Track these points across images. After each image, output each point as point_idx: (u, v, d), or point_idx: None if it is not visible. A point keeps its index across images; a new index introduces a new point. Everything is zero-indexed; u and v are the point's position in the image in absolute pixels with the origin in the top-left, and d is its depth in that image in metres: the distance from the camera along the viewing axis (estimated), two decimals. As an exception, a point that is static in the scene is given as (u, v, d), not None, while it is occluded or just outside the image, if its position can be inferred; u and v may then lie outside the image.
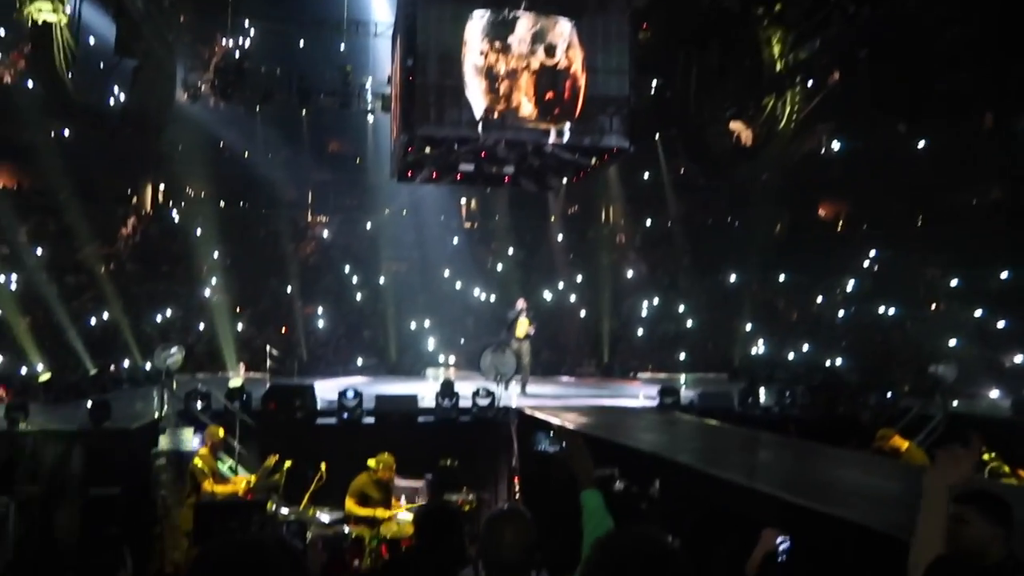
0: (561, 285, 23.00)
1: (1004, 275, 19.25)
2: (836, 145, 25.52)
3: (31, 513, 6.62)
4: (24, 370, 14.29)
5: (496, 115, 12.29)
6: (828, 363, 18.52)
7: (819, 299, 22.54)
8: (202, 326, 18.46)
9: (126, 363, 15.82)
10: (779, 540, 3.58)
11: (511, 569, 2.35)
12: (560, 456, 2.65)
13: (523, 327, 13.62)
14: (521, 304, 14.01)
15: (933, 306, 20.91)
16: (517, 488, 9.54)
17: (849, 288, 22.47)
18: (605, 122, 12.75)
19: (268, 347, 16.19)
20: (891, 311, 20.43)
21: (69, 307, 17.86)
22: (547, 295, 22.58)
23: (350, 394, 10.37)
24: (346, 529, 7.57)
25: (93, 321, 18.10)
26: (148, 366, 14.01)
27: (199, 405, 9.92)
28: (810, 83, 20.92)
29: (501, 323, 14.81)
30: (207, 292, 19.75)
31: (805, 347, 19.94)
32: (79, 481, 7.31)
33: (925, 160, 22.43)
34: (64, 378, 12.90)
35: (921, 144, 22.90)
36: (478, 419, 10.47)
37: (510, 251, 24.29)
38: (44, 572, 5.56)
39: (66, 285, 19.64)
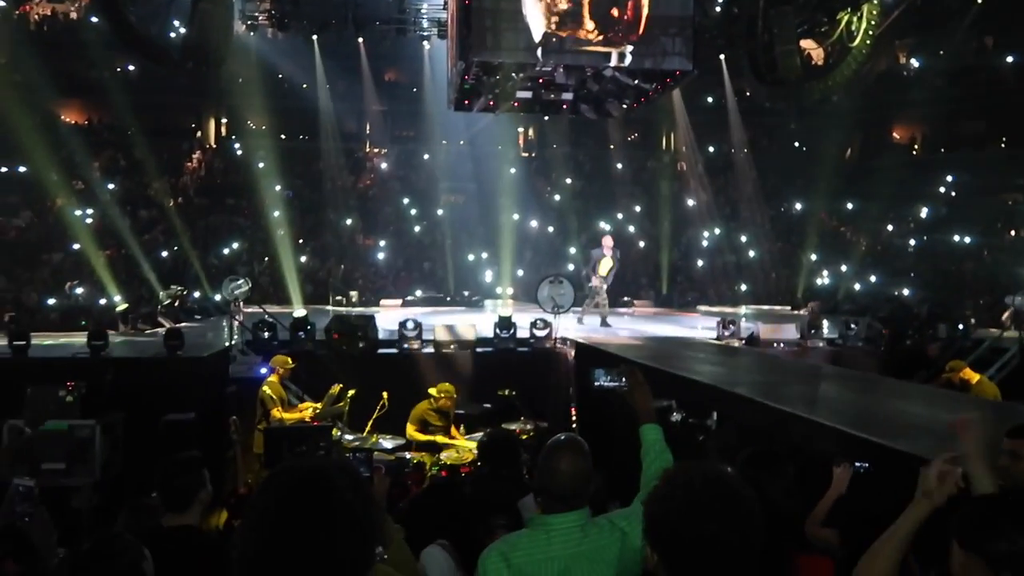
0: (620, 215, 22.69)
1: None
2: (914, 63, 24.11)
3: (115, 436, 7.02)
4: (103, 301, 14.97)
5: (555, 38, 11.94)
6: (896, 294, 17.95)
7: (889, 227, 21.73)
8: (267, 258, 18.93)
9: (196, 294, 16.40)
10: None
11: (567, 498, 2.38)
12: (619, 390, 2.64)
13: (606, 266, 13.57)
14: (609, 242, 13.94)
15: (1012, 233, 19.94)
16: (575, 418, 9.67)
17: (923, 215, 21.56)
18: (668, 43, 12.27)
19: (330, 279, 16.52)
20: (966, 239, 19.58)
21: (141, 240, 18.51)
22: (605, 225, 22.34)
23: (410, 325, 10.56)
24: (407, 455, 7.83)
25: (164, 253, 18.74)
26: (217, 297, 14.49)
27: (266, 335, 10.27)
28: (888, -4, 19.65)
29: (573, 259, 14.68)
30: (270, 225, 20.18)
31: (873, 278, 19.35)
32: (157, 406, 7.69)
33: (1010, 77, 21.03)
34: (139, 309, 13.47)
35: (1008, 59, 21.44)
36: (535, 350, 10.58)
37: (568, 181, 23.99)
38: (128, 492, 5.91)
39: (138, 219, 20.34)
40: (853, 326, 11.09)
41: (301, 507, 1.50)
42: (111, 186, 20.99)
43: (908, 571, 2.64)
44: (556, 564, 2.28)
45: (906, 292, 18.27)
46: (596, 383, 2.92)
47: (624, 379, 2.81)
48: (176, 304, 13.51)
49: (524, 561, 2.28)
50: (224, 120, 26.15)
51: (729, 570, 1.54)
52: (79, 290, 15.90)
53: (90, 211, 19.43)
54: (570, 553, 2.30)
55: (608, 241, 14.01)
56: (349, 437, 7.94)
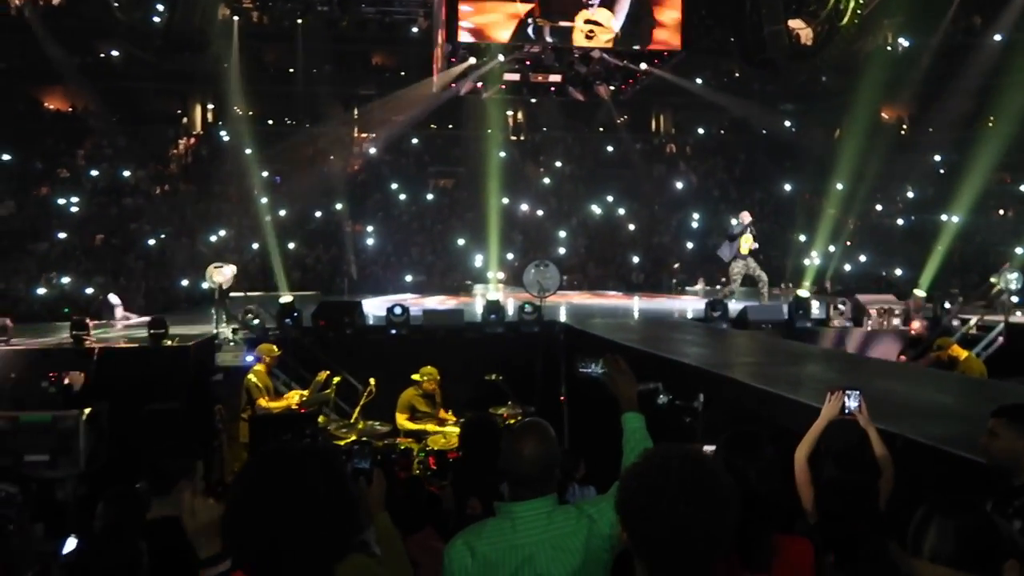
0: (610, 198, 22.64)
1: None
2: (903, 42, 24.05)
3: (99, 427, 6.97)
4: (89, 290, 14.86)
5: (542, 19, 11.86)
6: (884, 274, 18.01)
7: (878, 207, 21.75)
8: (255, 245, 18.82)
9: (183, 282, 16.29)
10: (847, 403, 3.43)
11: (531, 482, 2.35)
12: (603, 379, 2.61)
13: (747, 242, 13.00)
14: (747, 218, 13.25)
15: (1000, 213, 20.01)
16: (563, 402, 9.68)
17: (910, 195, 21.60)
18: (656, 23, 12.22)
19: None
20: (954, 219, 19.63)
21: (127, 229, 18.36)
22: (595, 208, 22.30)
23: (397, 310, 10.52)
24: (396, 442, 7.81)
25: (151, 242, 18.60)
26: (204, 285, 14.41)
27: (253, 322, 10.21)
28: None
29: (721, 237, 13.95)
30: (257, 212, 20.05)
31: (862, 258, 19.40)
32: (142, 396, 7.64)
33: (999, 56, 21.00)
34: (125, 298, 13.36)
35: (996, 38, 21.40)
36: (524, 334, 10.57)
37: (558, 164, 23.90)
38: (113, 483, 5.87)
39: (124, 207, 20.17)
40: (840, 306, 11.10)
41: (269, 492, 1.56)
42: (95, 173, 20.78)
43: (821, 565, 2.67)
44: (521, 551, 2.27)
45: (897, 272, 18.35)
46: (580, 370, 2.88)
47: (605, 367, 2.77)
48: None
49: (489, 550, 2.28)
50: (210, 106, 25.90)
51: (697, 553, 1.52)
52: (65, 279, 15.77)
53: (75, 199, 19.25)
54: (535, 540, 2.29)
55: (746, 217, 13.23)
56: (334, 425, 7.90)
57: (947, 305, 11.22)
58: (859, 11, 20.33)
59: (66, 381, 7.47)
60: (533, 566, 2.27)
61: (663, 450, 1.63)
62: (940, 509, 2.11)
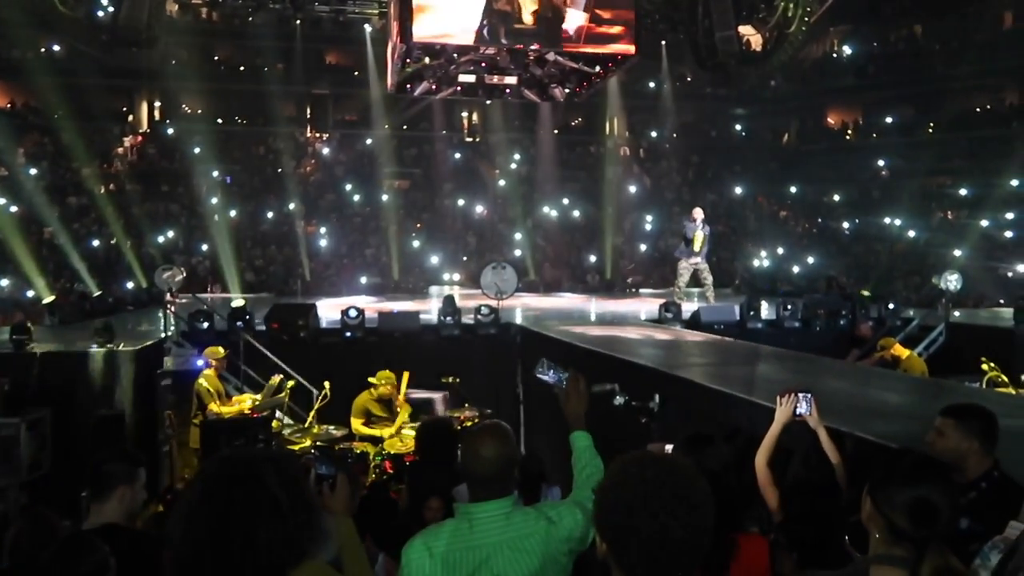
0: (565, 200, 22.77)
1: (1015, 183, 18.94)
2: (848, 49, 24.72)
3: (41, 434, 6.74)
4: (30, 293, 14.37)
5: (497, 20, 11.82)
6: (832, 275, 18.48)
7: (825, 210, 22.33)
8: (204, 247, 18.43)
9: (129, 284, 15.86)
10: (799, 406, 3.44)
11: (488, 482, 2.36)
12: (556, 389, 2.61)
13: (700, 239, 12.98)
14: (699, 214, 13.16)
15: (941, 216, 20.69)
16: (521, 403, 9.69)
17: (856, 198, 22.20)
18: (610, 27, 12.29)
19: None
20: (897, 221, 20.27)
21: (71, 229, 17.80)
22: (549, 210, 22.40)
23: (352, 312, 10.40)
24: (351, 446, 7.72)
25: (96, 243, 18.07)
26: (151, 287, 14.05)
27: (203, 325, 9.99)
28: (823, -17, 20.06)
29: (677, 239, 13.98)
30: (207, 212, 19.65)
31: (810, 259, 19.87)
32: (86, 402, 7.41)
33: (940, 64, 21.74)
34: (68, 300, 12.95)
35: (936, 47, 22.15)
36: (480, 336, 10.54)
37: (512, 166, 23.94)
38: (56, 492, 5.68)
39: (67, 207, 19.56)
40: (789, 307, 11.34)
41: (222, 497, 1.53)
42: (34, 171, 20.11)
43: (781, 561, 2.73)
44: (479, 553, 2.28)
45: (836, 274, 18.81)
46: (537, 374, 2.87)
47: (565, 381, 2.77)
48: None
49: (447, 551, 2.28)
50: (157, 103, 25.28)
51: (677, 562, 1.52)
52: (3, 282, 15.23)
53: (15, 198, 18.60)
54: (493, 542, 2.30)
55: (698, 214, 13.17)
56: (287, 431, 7.78)
57: (891, 306, 11.57)
58: (806, 19, 20.85)
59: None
60: (491, 567, 2.27)
61: (637, 459, 1.61)
62: None
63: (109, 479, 3.00)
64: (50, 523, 3.21)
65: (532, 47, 12.04)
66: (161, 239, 19.02)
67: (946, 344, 10.35)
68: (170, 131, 23.69)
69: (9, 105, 23.42)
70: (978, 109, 22.23)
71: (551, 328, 10.24)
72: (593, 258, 20.86)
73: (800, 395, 3.51)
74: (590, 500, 2.14)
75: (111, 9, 20.65)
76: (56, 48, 22.82)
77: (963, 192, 20.67)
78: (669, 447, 3.49)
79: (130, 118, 25.01)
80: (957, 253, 17.31)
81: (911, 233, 20.05)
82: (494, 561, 2.28)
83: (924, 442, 2.95)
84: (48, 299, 12.51)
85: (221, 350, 8.42)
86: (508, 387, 9.97)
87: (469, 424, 7.84)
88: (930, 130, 22.58)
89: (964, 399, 3.45)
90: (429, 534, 2.36)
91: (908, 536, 1.96)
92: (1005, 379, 7.99)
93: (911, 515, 1.96)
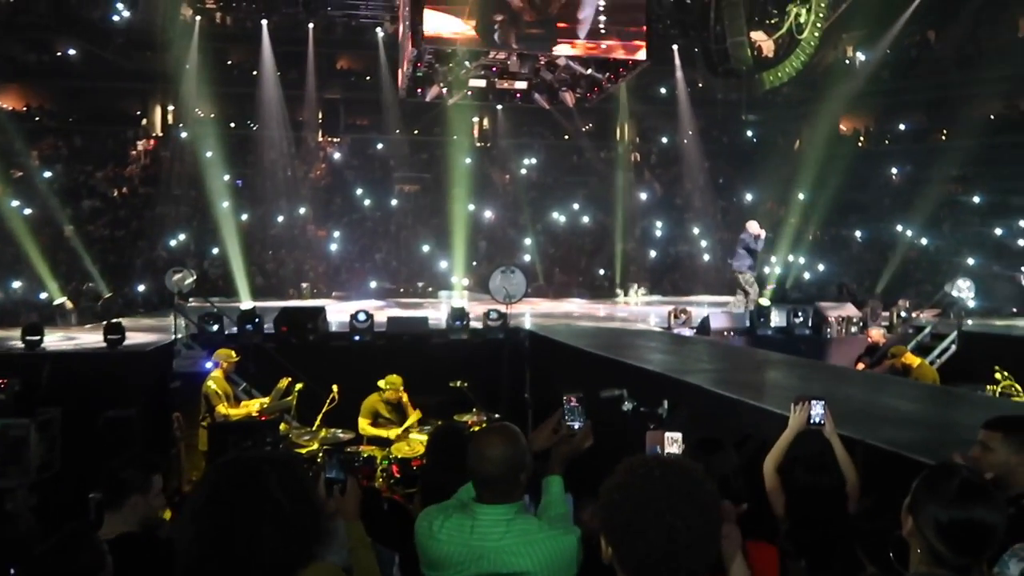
0: (575, 206, 22.74)
1: (1029, 190, 18.79)
2: (860, 56, 24.62)
3: (51, 435, 6.77)
4: (43, 295, 14.46)
5: (509, 26, 11.87)
6: (843, 282, 18.37)
7: (837, 217, 22.20)
8: (215, 250, 18.50)
9: (141, 287, 15.94)
10: (813, 414, 3.45)
11: (493, 483, 2.36)
12: (566, 431, 2.63)
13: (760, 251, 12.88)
14: (755, 228, 12.86)
15: (954, 223, 20.54)
16: (530, 408, 9.66)
17: (868, 205, 22.06)
18: (621, 33, 12.32)
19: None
20: (909, 231, 20.12)
21: (84, 231, 17.91)
22: (559, 216, 22.38)
23: (361, 316, 10.40)
24: (358, 450, 7.72)
25: (109, 245, 18.17)
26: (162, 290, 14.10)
27: (213, 328, 10.01)
28: (836, -11, 20.00)
29: (733, 246, 13.74)
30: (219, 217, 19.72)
31: (821, 267, 19.75)
32: (97, 403, 7.43)
33: (953, 71, 21.60)
34: (80, 302, 13.04)
35: (950, 54, 22.02)
36: (489, 341, 10.52)
37: (523, 171, 23.94)
38: (66, 493, 5.69)
39: (80, 209, 19.69)
40: (800, 315, 11.27)
41: (226, 501, 1.55)
42: (48, 174, 20.26)
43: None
44: (473, 551, 2.31)
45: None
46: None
47: (578, 424, 2.83)
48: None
49: (447, 539, 2.35)
50: (171, 107, 25.45)
51: (683, 565, 1.48)
52: (17, 284, 15.33)
53: (29, 200, 18.74)
54: (490, 546, 2.31)
55: (757, 226, 12.87)
56: (299, 432, 7.78)
57: (902, 314, 11.48)
58: (818, 25, 20.79)
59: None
60: (481, 565, 2.32)
61: (644, 460, 1.59)
62: None
63: (122, 487, 3.00)
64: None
65: (542, 49, 12.07)
66: (173, 242, 19.12)
67: (959, 353, 10.25)
68: (183, 135, 23.85)
69: (24, 108, 23.64)
70: (992, 116, 22.07)
71: (560, 333, 10.22)
72: (603, 264, 20.82)
73: (814, 402, 3.49)
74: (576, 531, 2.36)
75: (126, 14, 20.92)
76: (71, 52, 23.02)
77: (976, 199, 20.52)
78: (669, 434, 3.49)
79: (144, 122, 25.20)
80: (970, 261, 17.17)
81: (923, 240, 19.90)
82: (486, 560, 2.31)
83: (969, 457, 2.74)
84: (60, 300, 12.57)
85: (233, 353, 8.44)
86: (516, 392, 9.94)
87: (477, 428, 7.83)
88: (943, 137, 22.44)
89: (982, 409, 3.36)
90: (443, 514, 2.42)
91: (950, 563, 1.86)
92: (1019, 388, 7.91)
93: (956, 542, 1.85)
